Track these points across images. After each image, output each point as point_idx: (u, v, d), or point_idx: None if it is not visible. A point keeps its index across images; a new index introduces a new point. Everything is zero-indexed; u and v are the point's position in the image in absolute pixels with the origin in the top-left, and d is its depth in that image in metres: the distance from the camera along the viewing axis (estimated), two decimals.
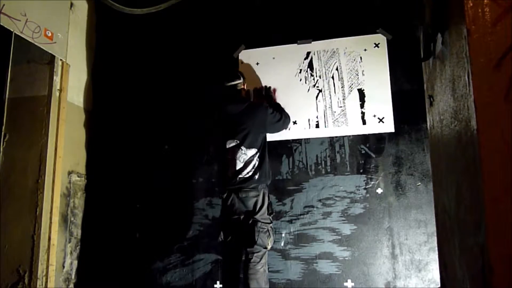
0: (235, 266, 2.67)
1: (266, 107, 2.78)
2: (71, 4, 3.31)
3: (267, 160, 2.71)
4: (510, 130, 0.99)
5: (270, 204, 2.68)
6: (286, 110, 3.17)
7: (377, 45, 3.10)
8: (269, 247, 2.58)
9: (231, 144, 2.65)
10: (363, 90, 3.08)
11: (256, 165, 2.62)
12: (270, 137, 3.16)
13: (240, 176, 2.61)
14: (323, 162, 3.07)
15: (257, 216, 2.56)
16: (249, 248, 2.56)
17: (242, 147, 2.62)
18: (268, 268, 2.89)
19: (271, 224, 2.62)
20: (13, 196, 2.91)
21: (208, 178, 3.22)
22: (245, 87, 2.94)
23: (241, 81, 2.84)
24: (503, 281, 0.95)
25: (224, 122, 2.73)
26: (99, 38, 3.66)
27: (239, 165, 2.61)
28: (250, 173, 2.59)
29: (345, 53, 3.16)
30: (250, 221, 2.55)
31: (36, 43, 2.85)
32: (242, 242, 2.63)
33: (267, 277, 2.61)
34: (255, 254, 2.54)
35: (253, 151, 2.63)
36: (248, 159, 2.61)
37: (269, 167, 2.74)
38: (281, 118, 2.83)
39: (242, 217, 2.60)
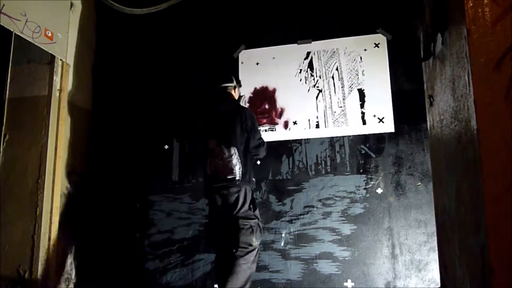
0: (225, 266, 2.48)
1: (254, 116, 2.67)
2: (71, 4, 3.31)
3: (250, 167, 2.58)
4: (510, 130, 0.99)
5: (253, 200, 2.55)
6: (286, 110, 3.18)
7: (377, 45, 3.10)
8: (254, 244, 2.43)
9: (212, 143, 2.55)
10: (363, 90, 3.08)
11: (236, 167, 2.48)
12: (270, 136, 3.16)
13: (220, 176, 2.49)
14: (323, 162, 3.07)
15: (239, 213, 2.44)
16: (234, 246, 2.42)
17: (222, 146, 2.50)
18: (268, 268, 2.90)
19: (255, 220, 2.47)
20: (13, 196, 2.91)
21: None
22: (236, 92, 2.82)
23: (232, 84, 2.78)
24: (503, 281, 0.95)
25: (210, 121, 2.66)
26: (99, 38, 3.66)
27: (218, 165, 2.49)
28: (230, 176, 2.46)
29: (345, 53, 3.16)
30: (231, 219, 2.43)
31: (36, 43, 2.85)
32: (227, 242, 2.48)
33: (250, 277, 2.43)
34: (239, 249, 2.39)
35: (232, 150, 2.49)
36: (227, 158, 2.48)
37: (251, 175, 2.60)
38: (262, 141, 2.68)
39: (225, 215, 2.47)
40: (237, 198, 2.47)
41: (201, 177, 3.23)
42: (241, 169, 2.49)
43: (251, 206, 2.52)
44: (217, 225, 2.54)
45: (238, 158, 2.49)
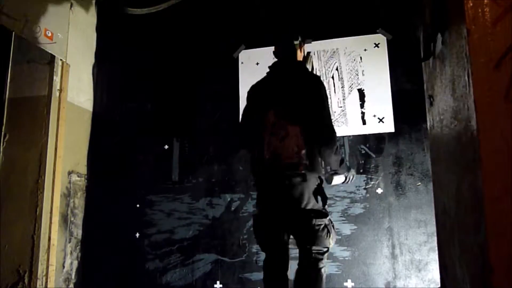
0: (283, 267, 2.14)
1: (324, 87, 2.10)
2: (71, 4, 3.31)
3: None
4: (510, 130, 0.99)
5: (323, 192, 2.06)
6: None
7: (377, 45, 3.10)
8: (331, 246, 2.04)
9: (271, 117, 2.03)
10: (363, 90, 3.08)
11: (302, 149, 1.96)
12: None
13: (282, 161, 1.98)
14: (322, 162, 3.07)
15: (309, 210, 1.97)
16: (308, 246, 2.01)
17: (283, 121, 2.00)
18: None
19: (328, 217, 2.02)
20: (13, 196, 2.91)
21: (208, 178, 3.22)
22: (301, 51, 2.27)
23: (297, 42, 2.20)
24: (503, 281, 0.95)
25: (268, 88, 2.16)
26: (99, 38, 3.66)
27: (278, 147, 1.99)
28: (294, 160, 1.96)
29: (345, 53, 3.16)
30: (301, 217, 1.98)
31: (36, 43, 2.85)
32: (299, 241, 2.08)
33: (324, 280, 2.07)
34: (313, 255, 2.01)
35: (296, 128, 1.98)
36: (291, 138, 1.98)
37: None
38: (333, 132, 2.06)
39: (289, 210, 2.00)
40: (302, 191, 1.97)
41: (201, 178, 3.23)
42: (306, 152, 1.97)
43: (322, 200, 2.04)
44: (274, 221, 2.06)
45: (303, 138, 1.98)
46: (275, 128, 2.03)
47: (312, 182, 2.02)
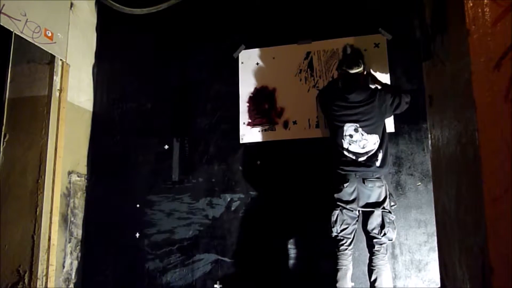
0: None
1: (390, 91, 2.67)
2: (71, 4, 3.31)
3: (388, 153, 2.65)
4: (510, 130, 0.99)
5: (391, 194, 2.64)
6: (286, 110, 3.18)
7: (377, 45, 3.10)
8: (394, 239, 2.54)
9: (350, 128, 2.59)
10: None
11: (380, 154, 2.55)
12: (270, 136, 3.16)
13: (363, 163, 2.54)
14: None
15: (386, 207, 2.50)
16: (376, 240, 2.49)
17: (362, 131, 2.56)
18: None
19: (393, 213, 2.55)
20: (13, 196, 2.91)
21: (208, 178, 3.22)
22: (364, 74, 2.78)
23: (361, 69, 2.70)
24: (503, 281, 0.95)
25: (343, 107, 2.64)
26: (99, 38, 3.66)
27: (360, 152, 2.55)
28: (373, 163, 2.53)
29: None
30: (380, 212, 2.49)
31: (36, 43, 2.85)
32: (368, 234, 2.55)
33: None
34: (382, 246, 2.50)
35: (374, 137, 2.56)
36: (370, 145, 2.55)
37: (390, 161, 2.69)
38: (400, 103, 2.63)
39: (366, 207, 2.53)
40: (381, 192, 2.51)
41: (201, 178, 3.23)
42: (382, 156, 2.55)
43: (391, 199, 2.58)
44: (353, 214, 2.55)
45: (381, 145, 2.57)
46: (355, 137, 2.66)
47: (386, 184, 2.59)
